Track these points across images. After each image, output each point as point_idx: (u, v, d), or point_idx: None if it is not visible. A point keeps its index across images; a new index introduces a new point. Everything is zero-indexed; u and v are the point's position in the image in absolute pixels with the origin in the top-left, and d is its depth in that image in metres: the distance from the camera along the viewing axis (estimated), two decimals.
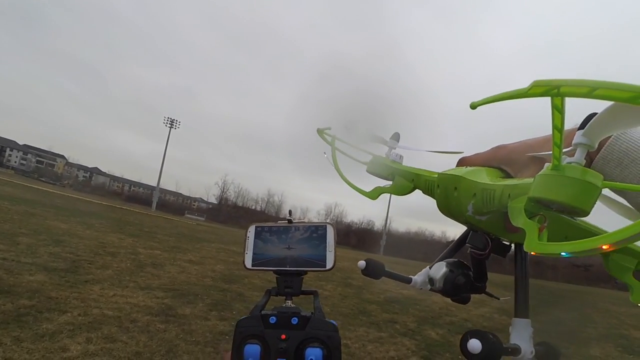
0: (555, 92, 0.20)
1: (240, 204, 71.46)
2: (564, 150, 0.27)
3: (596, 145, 0.24)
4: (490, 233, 0.38)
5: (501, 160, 0.38)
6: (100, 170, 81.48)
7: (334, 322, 0.46)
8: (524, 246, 0.25)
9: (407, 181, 0.50)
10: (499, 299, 0.44)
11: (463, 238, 0.45)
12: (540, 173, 0.25)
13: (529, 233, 0.26)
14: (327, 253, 0.51)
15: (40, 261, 4.57)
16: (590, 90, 0.19)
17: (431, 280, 0.42)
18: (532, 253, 0.25)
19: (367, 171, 0.55)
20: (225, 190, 70.36)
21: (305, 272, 0.52)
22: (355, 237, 62.85)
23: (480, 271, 0.41)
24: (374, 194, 0.53)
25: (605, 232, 0.31)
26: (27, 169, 73.40)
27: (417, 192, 0.50)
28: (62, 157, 79.24)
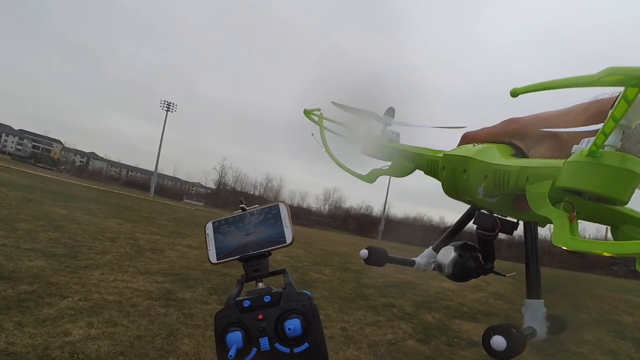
0: (635, 82, 0.17)
1: (239, 189, 71.62)
2: (587, 130, 0.25)
3: (633, 126, 0.22)
4: (498, 212, 0.36)
5: (513, 135, 0.35)
6: (97, 155, 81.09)
7: (307, 292, 0.46)
8: (553, 240, 0.23)
9: (407, 161, 0.46)
10: (505, 275, 0.43)
11: (466, 218, 0.44)
12: (571, 159, 0.23)
13: (559, 225, 0.23)
14: (285, 229, 0.52)
15: (40, 247, 4.58)
16: None
17: (439, 266, 0.41)
18: (562, 248, 0.23)
19: (362, 152, 0.50)
20: (223, 175, 70.38)
21: (269, 252, 0.53)
22: (354, 222, 63.35)
23: (488, 251, 0.40)
24: (371, 177, 0.49)
25: (634, 211, 0.31)
26: (24, 154, 72.98)
27: (417, 174, 0.46)
28: (59, 142, 78.68)
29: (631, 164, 0.20)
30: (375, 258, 0.45)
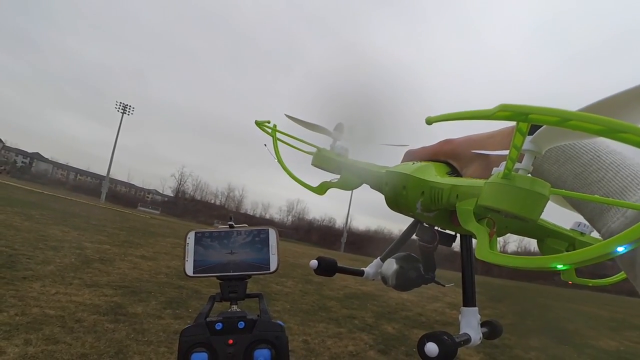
0: (522, 118, 0.19)
1: (199, 198, 69.25)
2: (495, 154, 0.28)
3: (544, 152, 0.25)
4: (437, 225, 0.39)
5: (447, 155, 0.38)
6: (42, 156, 74.85)
7: (281, 323, 0.46)
8: (476, 253, 0.25)
9: (355, 176, 0.48)
10: (444, 285, 0.46)
11: (410, 230, 0.46)
12: (489, 180, 0.25)
13: (480, 240, 0.26)
14: (271, 256, 0.52)
15: None
16: (560, 120, 0.18)
17: (384, 278, 0.43)
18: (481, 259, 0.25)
19: (312, 164, 0.52)
20: (182, 182, 67.76)
21: (249, 276, 0.52)
22: (316, 234, 63.40)
23: (429, 262, 0.43)
24: (320, 189, 0.50)
25: (556, 226, 0.36)
26: None
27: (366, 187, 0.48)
28: None
29: (539, 187, 0.23)
30: (325, 268, 0.46)
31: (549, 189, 0.23)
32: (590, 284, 0.41)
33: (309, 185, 0.51)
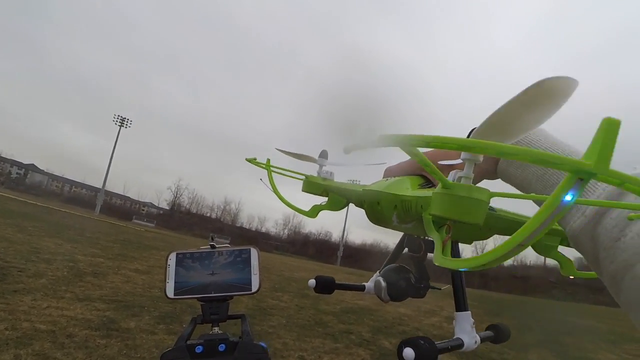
0: (400, 145, 0.20)
1: (195, 211, 68.71)
2: (457, 163, 0.31)
3: (481, 159, 0.27)
4: (419, 235, 0.42)
5: (419, 168, 0.41)
6: (38, 168, 74.34)
7: (263, 345, 0.46)
8: (434, 259, 0.27)
9: (340, 197, 0.52)
10: (440, 289, 0.47)
11: (401, 243, 0.48)
12: (435, 191, 0.27)
13: (436, 246, 0.28)
14: (252, 276, 0.52)
15: None
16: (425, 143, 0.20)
17: (378, 296, 0.45)
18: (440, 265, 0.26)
19: (303, 191, 0.56)
20: (178, 195, 67.33)
21: (231, 297, 0.52)
22: (313, 247, 62.89)
23: (421, 271, 0.44)
24: (312, 213, 0.54)
25: (524, 217, 0.38)
26: None
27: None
28: None
29: (477, 193, 0.25)
30: (323, 286, 0.49)
31: (488, 194, 0.25)
32: (594, 276, 0.42)
33: (302, 210, 0.55)
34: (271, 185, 0.59)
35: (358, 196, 0.47)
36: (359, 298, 8.14)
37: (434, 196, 0.27)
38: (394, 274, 0.44)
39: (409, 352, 0.28)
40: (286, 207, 0.57)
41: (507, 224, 0.38)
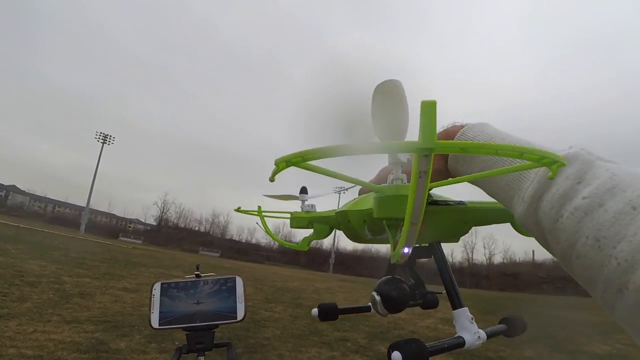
0: (299, 160, 0.21)
1: (183, 225, 67.59)
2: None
3: (406, 160, 0.30)
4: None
5: (379, 182, 0.43)
6: (19, 189, 72.10)
7: None
8: (391, 258, 0.30)
9: (323, 224, 0.55)
10: (441, 293, 0.47)
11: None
12: (374, 196, 0.30)
13: (390, 246, 0.30)
14: (238, 304, 0.53)
15: None
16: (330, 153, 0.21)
17: (377, 312, 0.45)
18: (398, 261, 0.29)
19: (291, 227, 0.59)
20: (165, 210, 66.17)
21: (216, 326, 0.52)
22: (304, 256, 62.40)
23: (415, 277, 0.46)
24: (304, 245, 0.56)
25: (494, 204, 0.41)
26: None
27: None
28: None
29: (403, 190, 0.27)
30: (327, 314, 0.50)
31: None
32: None
33: (295, 245, 0.58)
34: (265, 228, 0.62)
35: (334, 220, 0.49)
36: (353, 304, 8.06)
37: (373, 202, 0.29)
38: (385, 286, 0.43)
39: (397, 355, 0.28)
40: (276, 219, 0.62)
41: (481, 214, 0.41)
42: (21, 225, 23.18)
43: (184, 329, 0.51)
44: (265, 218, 0.64)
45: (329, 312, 0.49)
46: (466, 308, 0.36)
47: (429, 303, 0.48)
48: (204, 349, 0.51)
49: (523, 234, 0.47)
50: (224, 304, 0.52)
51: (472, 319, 0.36)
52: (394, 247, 0.29)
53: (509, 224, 0.47)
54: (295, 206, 0.62)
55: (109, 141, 43.55)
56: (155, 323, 0.52)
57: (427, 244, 0.43)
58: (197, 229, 68.77)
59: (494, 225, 0.44)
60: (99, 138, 43.00)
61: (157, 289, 0.53)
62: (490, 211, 0.42)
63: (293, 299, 8.18)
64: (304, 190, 0.60)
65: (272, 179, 0.24)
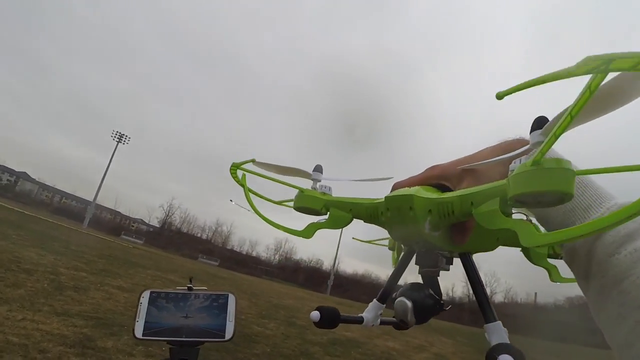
0: (604, 68, 0.19)
1: (185, 230, 67.58)
2: (516, 154, 0.30)
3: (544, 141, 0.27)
4: (436, 248, 0.39)
5: (438, 177, 0.39)
6: (29, 176, 73.30)
7: None
8: (523, 242, 0.26)
9: (344, 212, 0.45)
10: (448, 308, 0.42)
11: (404, 263, 0.44)
12: (516, 172, 0.26)
13: (523, 228, 0.27)
14: (227, 323, 0.50)
15: None
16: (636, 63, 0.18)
17: (402, 321, 0.40)
18: (532, 247, 0.27)
19: (295, 207, 0.48)
20: (170, 214, 66.44)
21: (202, 343, 0.50)
22: (303, 274, 61.65)
23: (436, 288, 0.41)
24: (308, 232, 0.46)
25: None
26: None
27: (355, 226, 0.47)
28: None
29: (565, 164, 0.25)
30: (327, 320, 0.41)
31: (574, 166, 0.25)
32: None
33: (294, 230, 0.47)
34: (248, 202, 0.51)
35: (372, 209, 0.42)
36: (347, 329, 7.88)
37: (515, 177, 0.26)
38: (415, 292, 0.39)
39: (506, 357, 0.25)
40: (277, 230, 0.48)
41: (510, 233, 0.37)
42: (26, 212, 23.44)
43: (168, 342, 0.49)
44: (253, 191, 0.51)
45: (330, 319, 0.41)
46: (500, 322, 0.33)
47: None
48: None
49: (535, 262, 0.45)
50: (213, 320, 0.50)
51: (506, 332, 0.33)
52: (531, 227, 0.26)
53: (522, 254, 0.45)
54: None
55: (124, 140, 44.31)
56: (139, 333, 0.49)
57: (449, 255, 0.40)
58: (199, 235, 68.76)
59: (499, 261, 0.40)
60: (115, 137, 43.82)
61: (145, 297, 0.51)
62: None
63: (287, 317, 8.01)
64: (318, 169, 0.50)
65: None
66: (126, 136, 44.49)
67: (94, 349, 3.16)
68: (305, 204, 0.47)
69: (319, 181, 0.49)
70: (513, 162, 0.28)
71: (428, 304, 0.39)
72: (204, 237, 68.88)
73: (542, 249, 0.44)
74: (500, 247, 0.41)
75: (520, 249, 0.45)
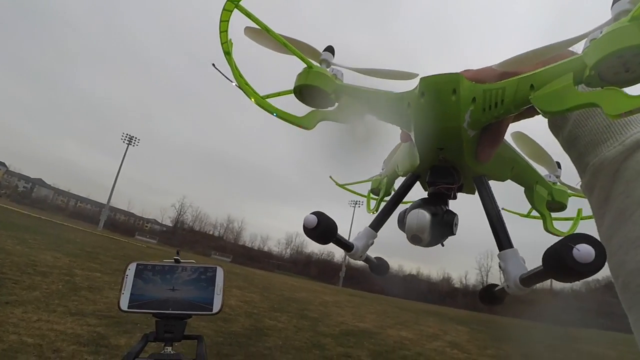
0: None
1: (198, 228, 68.52)
2: (591, 31, 0.26)
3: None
4: (456, 161, 0.33)
5: (471, 78, 0.31)
6: (44, 182, 75.08)
7: None
8: (605, 111, 0.22)
9: (359, 101, 0.36)
10: (443, 245, 0.36)
11: (408, 186, 0.37)
12: (610, 29, 0.23)
13: (609, 95, 0.23)
14: (215, 296, 0.48)
15: None
16: None
17: (418, 237, 0.31)
18: (621, 113, 0.22)
19: (297, 86, 0.37)
20: (182, 213, 67.37)
21: (189, 316, 0.49)
22: (315, 268, 62.04)
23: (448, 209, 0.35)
24: (309, 120, 0.37)
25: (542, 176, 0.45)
26: None
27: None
28: (2, 164, 72.46)
29: None
30: (324, 232, 0.31)
31: None
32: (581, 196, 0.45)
33: (292, 116, 0.38)
34: (234, 73, 0.41)
35: (396, 101, 0.33)
36: (360, 320, 7.89)
37: (607, 35, 0.22)
38: (432, 206, 0.32)
39: (587, 250, 0.20)
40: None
41: (523, 170, 0.39)
42: (42, 217, 24.01)
43: (154, 314, 0.48)
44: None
45: (327, 231, 0.31)
46: (517, 249, 0.29)
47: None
48: (172, 340, 0.47)
49: (535, 206, 0.44)
50: (200, 293, 0.48)
51: (523, 259, 0.29)
52: (620, 92, 0.22)
53: (526, 200, 0.45)
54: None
55: (134, 143, 44.84)
56: (124, 305, 0.49)
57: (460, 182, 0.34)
58: (211, 232, 69.66)
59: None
60: (125, 139, 44.36)
61: (131, 269, 0.51)
62: (530, 169, 0.42)
63: (299, 310, 8.06)
64: (330, 49, 0.41)
65: None
66: (136, 138, 45.01)
67: (107, 346, 3.22)
68: (313, 81, 0.37)
69: (330, 64, 0.40)
70: (586, 41, 0.25)
71: (448, 219, 0.33)
72: (216, 234, 69.80)
73: (544, 192, 0.43)
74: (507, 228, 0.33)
75: (525, 189, 0.43)
